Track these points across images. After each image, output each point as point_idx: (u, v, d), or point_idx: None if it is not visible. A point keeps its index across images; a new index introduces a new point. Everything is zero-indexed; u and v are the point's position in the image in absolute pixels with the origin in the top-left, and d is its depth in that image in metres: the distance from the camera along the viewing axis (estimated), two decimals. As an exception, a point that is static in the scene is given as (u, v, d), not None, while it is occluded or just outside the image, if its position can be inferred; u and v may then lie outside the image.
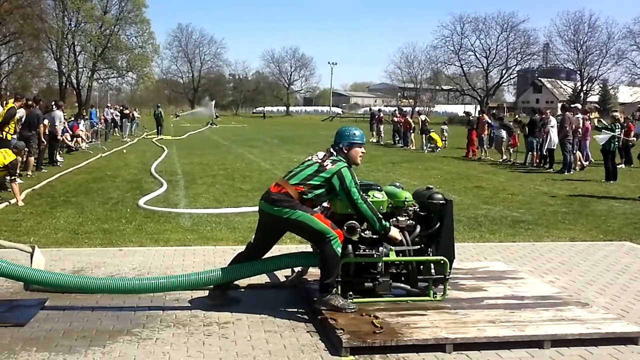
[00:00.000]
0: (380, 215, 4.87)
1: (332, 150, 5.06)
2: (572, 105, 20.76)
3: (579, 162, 18.25)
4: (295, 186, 4.82)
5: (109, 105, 36.86)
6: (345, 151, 5.05)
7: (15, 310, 4.84)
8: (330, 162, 4.92)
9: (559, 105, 65.21)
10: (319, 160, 4.97)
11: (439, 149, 25.31)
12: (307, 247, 5.85)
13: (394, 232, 4.93)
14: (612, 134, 14.94)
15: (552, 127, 18.06)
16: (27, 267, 5.02)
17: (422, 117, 27.16)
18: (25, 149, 12.83)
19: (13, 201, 10.07)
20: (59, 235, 7.82)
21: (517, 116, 28.93)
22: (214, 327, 4.62)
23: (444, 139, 27.37)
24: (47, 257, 6.51)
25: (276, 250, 6.76)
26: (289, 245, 7.05)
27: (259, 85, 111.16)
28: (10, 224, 8.44)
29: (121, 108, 34.96)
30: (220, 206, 10.24)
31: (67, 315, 4.76)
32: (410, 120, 28.67)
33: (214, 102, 67.59)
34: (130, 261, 6.46)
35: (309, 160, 5.07)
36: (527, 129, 19.75)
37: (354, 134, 5.11)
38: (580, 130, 17.94)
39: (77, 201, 10.60)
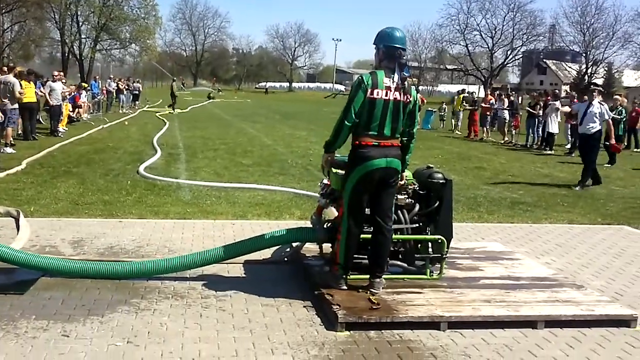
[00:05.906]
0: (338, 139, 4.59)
1: (401, 62, 4.63)
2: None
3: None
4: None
5: (111, 77, 36.68)
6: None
7: (15, 278, 4.88)
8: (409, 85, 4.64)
9: (563, 87, 64.82)
10: (402, 88, 4.57)
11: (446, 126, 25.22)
12: (306, 223, 5.85)
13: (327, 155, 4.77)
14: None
15: (556, 109, 17.98)
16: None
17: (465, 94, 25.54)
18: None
19: (13, 170, 10.12)
20: (60, 205, 7.85)
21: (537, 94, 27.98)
22: (212, 299, 4.66)
23: (444, 119, 27.31)
24: (47, 226, 6.57)
25: (275, 225, 6.82)
26: (288, 221, 7.07)
27: (262, 60, 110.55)
28: (11, 193, 8.46)
29: (118, 80, 34.90)
30: (221, 180, 10.26)
31: (66, 285, 4.80)
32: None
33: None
34: (130, 233, 6.49)
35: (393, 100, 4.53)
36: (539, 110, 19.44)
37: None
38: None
39: (78, 172, 10.61)
